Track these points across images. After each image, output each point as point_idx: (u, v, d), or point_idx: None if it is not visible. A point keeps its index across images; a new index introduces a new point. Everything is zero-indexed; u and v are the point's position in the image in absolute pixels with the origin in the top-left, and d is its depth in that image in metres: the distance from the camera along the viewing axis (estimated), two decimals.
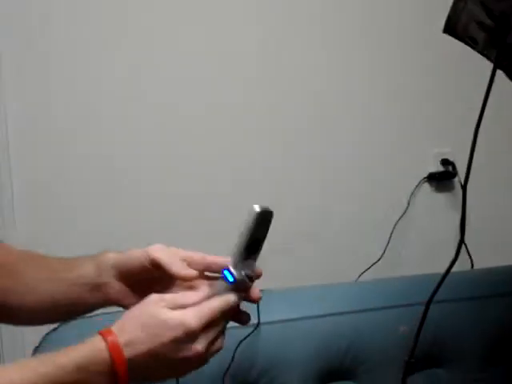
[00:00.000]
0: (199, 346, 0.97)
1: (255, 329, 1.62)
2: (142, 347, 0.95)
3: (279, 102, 2.34)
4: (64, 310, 1.16)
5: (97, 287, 1.11)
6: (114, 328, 0.97)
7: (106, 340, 0.95)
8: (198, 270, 1.05)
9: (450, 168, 2.50)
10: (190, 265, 1.06)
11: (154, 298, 0.99)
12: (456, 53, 2.30)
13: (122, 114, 2.20)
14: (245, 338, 1.60)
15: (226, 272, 1.00)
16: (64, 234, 2.15)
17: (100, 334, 0.96)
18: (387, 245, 2.43)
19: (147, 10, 2.20)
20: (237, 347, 1.59)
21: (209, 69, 2.26)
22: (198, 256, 1.07)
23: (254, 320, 1.58)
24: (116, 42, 2.19)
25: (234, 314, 1.03)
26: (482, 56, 1.39)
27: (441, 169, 2.52)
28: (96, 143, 2.18)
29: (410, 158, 2.49)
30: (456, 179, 2.51)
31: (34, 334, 1.58)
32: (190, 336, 0.96)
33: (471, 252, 2.35)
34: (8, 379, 0.90)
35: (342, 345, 1.69)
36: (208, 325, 0.98)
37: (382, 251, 2.42)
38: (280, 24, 2.32)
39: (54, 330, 1.58)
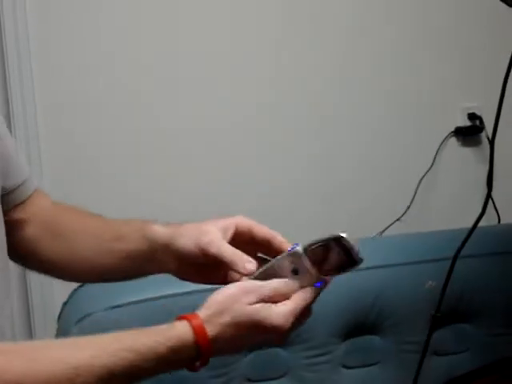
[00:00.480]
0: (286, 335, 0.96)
1: None
2: (229, 340, 0.92)
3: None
4: (118, 277, 1.14)
5: (152, 261, 1.07)
6: (203, 317, 0.92)
7: (195, 335, 0.90)
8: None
9: (478, 122, 2.48)
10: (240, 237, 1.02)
11: (238, 291, 0.94)
12: (485, 7, 2.30)
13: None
14: None
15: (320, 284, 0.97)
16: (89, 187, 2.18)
17: (190, 326, 0.91)
18: (412, 200, 2.42)
19: None
20: None
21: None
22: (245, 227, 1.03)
23: None
24: None
25: None
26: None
27: (468, 123, 2.49)
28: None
29: (436, 112, 2.47)
30: (483, 134, 2.48)
31: (63, 287, 1.60)
32: (282, 333, 0.94)
33: (498, 207, 2.34)
34: (88, 360, 0.84)
35: (367, 300, 1.69)
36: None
37: (408, 206, 2.42)
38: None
39: (82, 286, 1.59)
